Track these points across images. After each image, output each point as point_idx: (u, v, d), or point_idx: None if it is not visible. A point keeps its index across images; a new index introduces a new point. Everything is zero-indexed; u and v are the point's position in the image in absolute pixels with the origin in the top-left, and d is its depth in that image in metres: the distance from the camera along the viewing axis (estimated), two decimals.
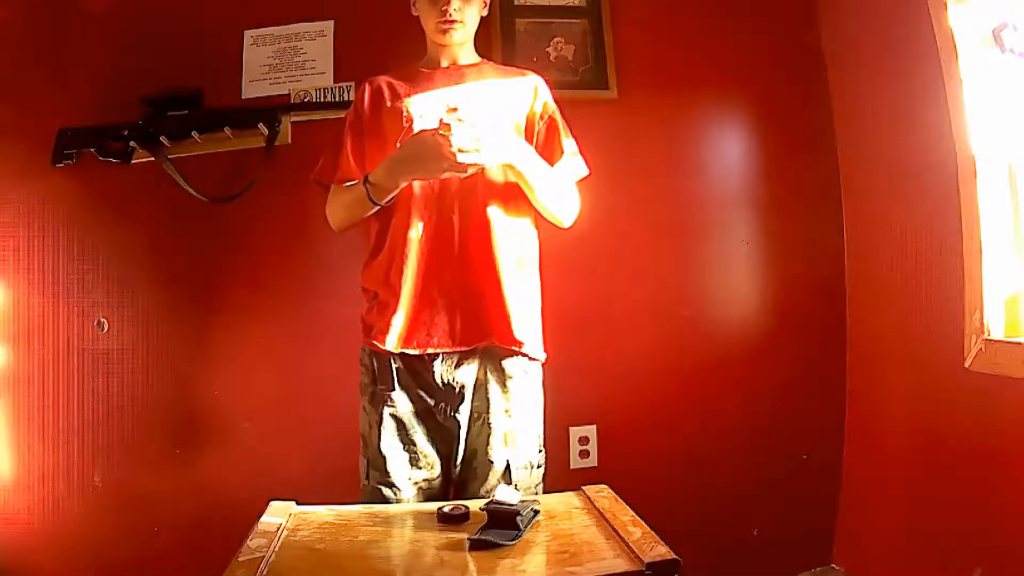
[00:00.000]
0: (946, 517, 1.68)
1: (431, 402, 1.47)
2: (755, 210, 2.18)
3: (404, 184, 1.42)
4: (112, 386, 1.92)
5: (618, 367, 2.07)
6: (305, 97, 2.01)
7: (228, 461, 1.93)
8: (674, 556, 1.05)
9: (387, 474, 1.45)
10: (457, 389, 1.47)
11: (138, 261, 1.94)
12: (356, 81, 1.91)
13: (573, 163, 1.55)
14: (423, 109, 1.48)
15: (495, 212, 1.47)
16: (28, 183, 1.91)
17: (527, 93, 1.55)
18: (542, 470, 1.51)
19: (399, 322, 1.44)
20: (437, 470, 1.48)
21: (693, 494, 2.05)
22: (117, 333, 1.93)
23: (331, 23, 2.03)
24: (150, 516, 1.90)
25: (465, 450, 1.48)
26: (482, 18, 1.56)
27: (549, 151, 1.53)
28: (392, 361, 1.46)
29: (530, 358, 1.49)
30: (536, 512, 1.24)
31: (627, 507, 1.27)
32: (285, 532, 1.22)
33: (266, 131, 1.94)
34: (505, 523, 1.16)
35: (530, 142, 1.52)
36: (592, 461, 2.05)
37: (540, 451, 1.51)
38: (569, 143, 1.55)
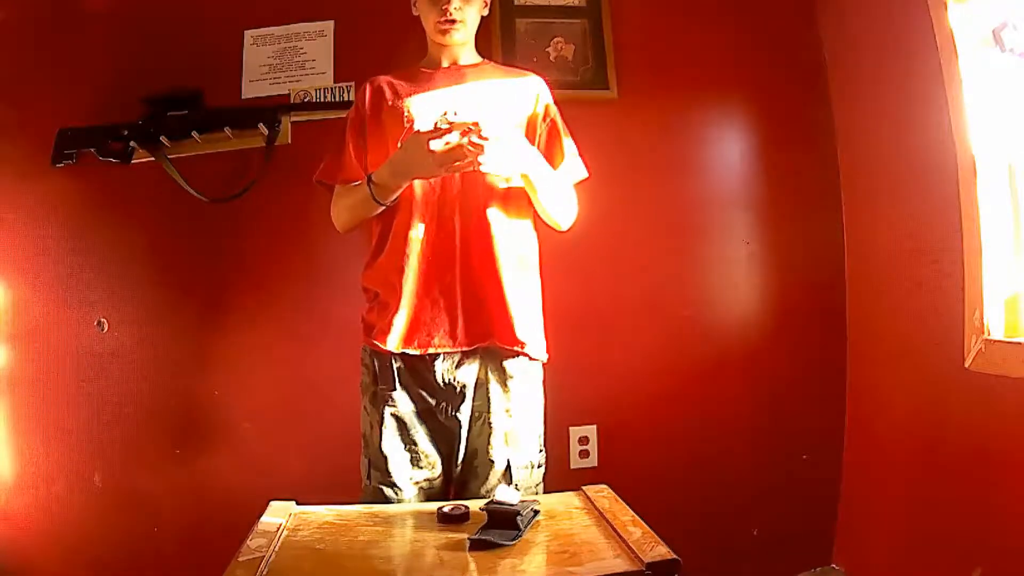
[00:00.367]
0: (946, 517, 1.68)
1: (432, 402, 1.47)
2: (755, 210, 2.18)
3: (406, 184, 1.42)
4: (112, 386, 1.92)
5: (618, 367, 2.07)
6: (305, 97, 2.01)
7: (228, 461, 1.93)
8: (674, 556, 1.05)
9: (388, 474, 1.45)
10: (458, 389, 1.47)
11: (138, 261, 1.94)
12: (356, 81, 1.92)
13: (573, 167, 1.56)
14: (424, 109, 1.48)
15: (496, 213, 1.47)
16: (28, 183, 1.91)
17: (529, 95, 1.55)
18: (542, 470, 1.51)
19: (400, 322, 1.44)
20: (438, 470, 1.48)
21: (693, 494, 2.05)
22: (117, 333, 1.93)
23: (331, 23, 2.03)
24: (150, 516, 1.90)
25: (466, 450, 1.48)
26: (482, 18, 1.57)
27: (551, 155, 1.54)
28: (393, 361, 1.46)
29: (531, 358, 1.50)
30: (536, 512, 1.24)
31: (627, 507, 1.27)
32: (285, 532, 1.22)
33: (266, 131, 1.94)
34: (505, 523, 1.16)
35: (532, 142, 1.52)
36: (592, 461, 2.05)
37: (540, 451, 1.51)
38: (570, 147, 1.56)
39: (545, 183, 1.48)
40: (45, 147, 1.89)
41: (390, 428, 1.46)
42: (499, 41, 2.04)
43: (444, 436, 1.48)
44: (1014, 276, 1.57)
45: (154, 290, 1.94)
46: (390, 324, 1.44)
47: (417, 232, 1.44)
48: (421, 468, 1.47)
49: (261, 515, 1.28)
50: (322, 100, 2.00)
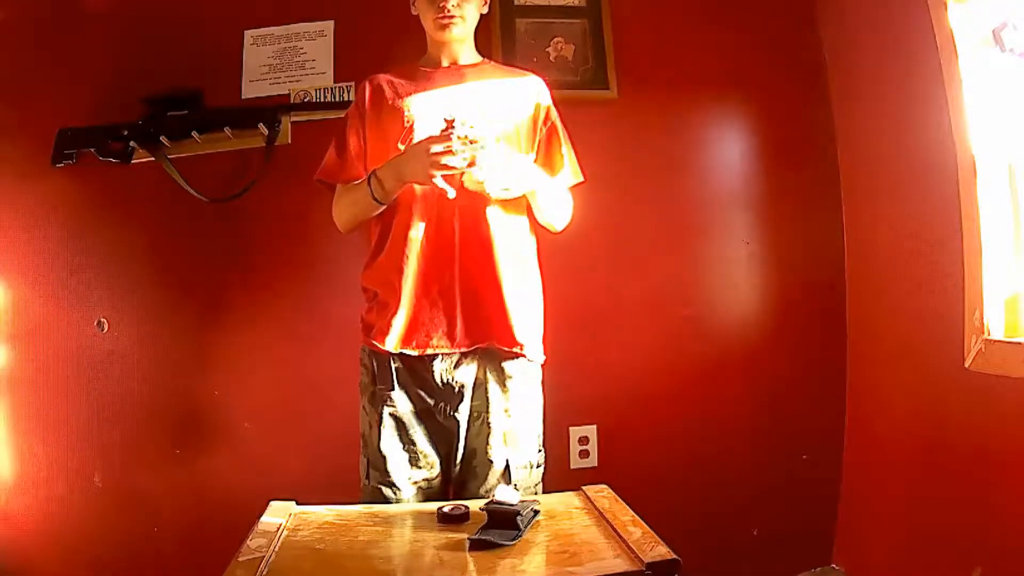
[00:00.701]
0: (946, 517, 1.68)
1: (431, 402, 1.47)
2: (755, 210, 2.18)
3: (401, 187, 1.42)
4: (112, 386, 1.92)
5: (618, 367, 2.07)
6: (305, 97, 2.01)
7: (228, 461, 1.93)
8: (674, 556, 1.05)
9: (387, 474, 1.45)
10: (456, 389, 1.47)
11: (138, 261, 1.94)
12: (356, 81, 1.90)
13: (571, 171, 1.56)
14: (424, 109, 1.48)
15: (495, 214, 1.47)
16: (28, 183, 1.91)
17: (529, 97, 1.55)
18: (542, 470, 1.51)
19: (399, 322, 1.44)
20: (437, 470, 1.48)
21: (693, 494, 2.05)
22: (117, 333, 1.93)
23: (331, 23, 2.03)
24: (150, 516, 1.90)
25: (465, 449, 1.48)
26: (482, 17, 1.57)
27: (549, 158, 1.54)
28: (392, 361, 1.46)
29: (529, 359, 1.50)
30: (536, 512, 1.24)
31: (627, 507, 1.27)
32: (285, 532, 1.22)
33: (266, 131, 1.94)
34: (505, 523, 1.16)
35: (530, 144, 1.53)
36: (592, 461, 2.05)
37: (540, 451, 1.51)
38: (568, 150, 1.56)
39: (544, 193, 1.50)
40: (45, 147, 1.89)
41: (389, 428, 1.46)
42: (499, 41, 2.04)
43: (443, 436, 1.48)
44: (1014, 276, 1.57)
45: (154, 290, 1.94)
46: (389, 324, 1.44)
47: (416, 232, 1.44)
48: (420, 468, 1.47)
49: (261, 515, 1.28)
50: (322, 100, 2.00)
